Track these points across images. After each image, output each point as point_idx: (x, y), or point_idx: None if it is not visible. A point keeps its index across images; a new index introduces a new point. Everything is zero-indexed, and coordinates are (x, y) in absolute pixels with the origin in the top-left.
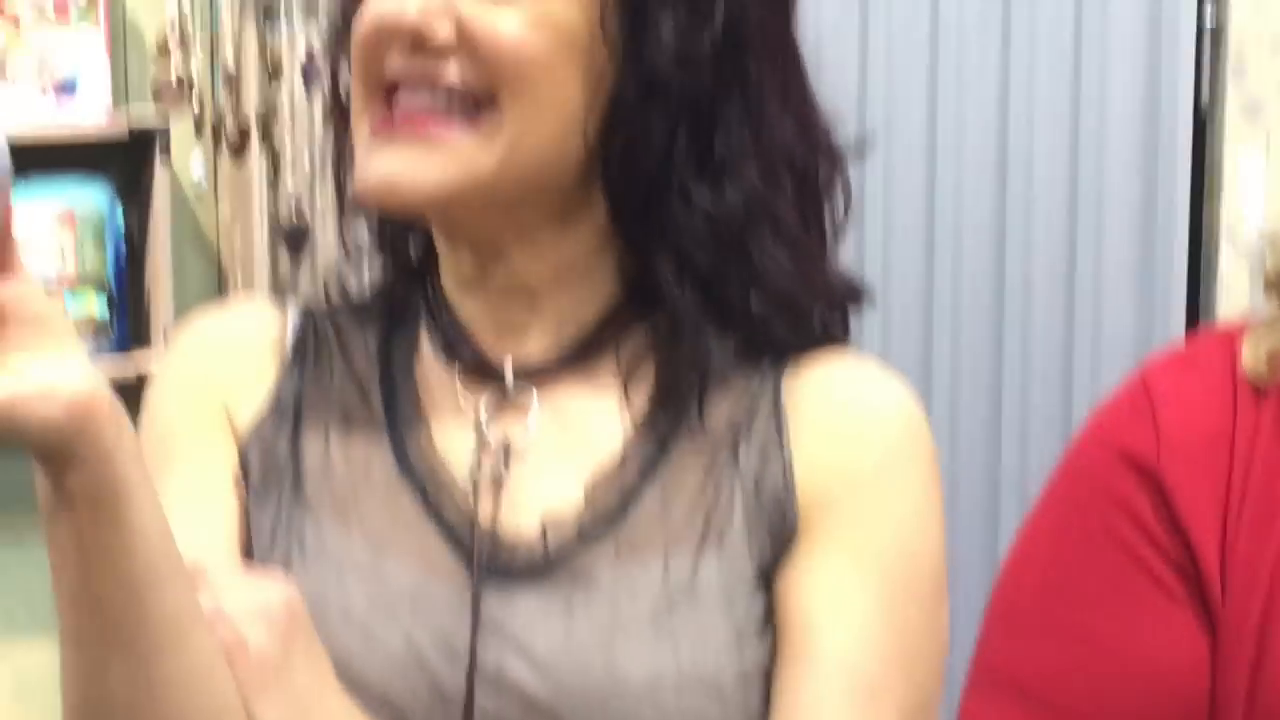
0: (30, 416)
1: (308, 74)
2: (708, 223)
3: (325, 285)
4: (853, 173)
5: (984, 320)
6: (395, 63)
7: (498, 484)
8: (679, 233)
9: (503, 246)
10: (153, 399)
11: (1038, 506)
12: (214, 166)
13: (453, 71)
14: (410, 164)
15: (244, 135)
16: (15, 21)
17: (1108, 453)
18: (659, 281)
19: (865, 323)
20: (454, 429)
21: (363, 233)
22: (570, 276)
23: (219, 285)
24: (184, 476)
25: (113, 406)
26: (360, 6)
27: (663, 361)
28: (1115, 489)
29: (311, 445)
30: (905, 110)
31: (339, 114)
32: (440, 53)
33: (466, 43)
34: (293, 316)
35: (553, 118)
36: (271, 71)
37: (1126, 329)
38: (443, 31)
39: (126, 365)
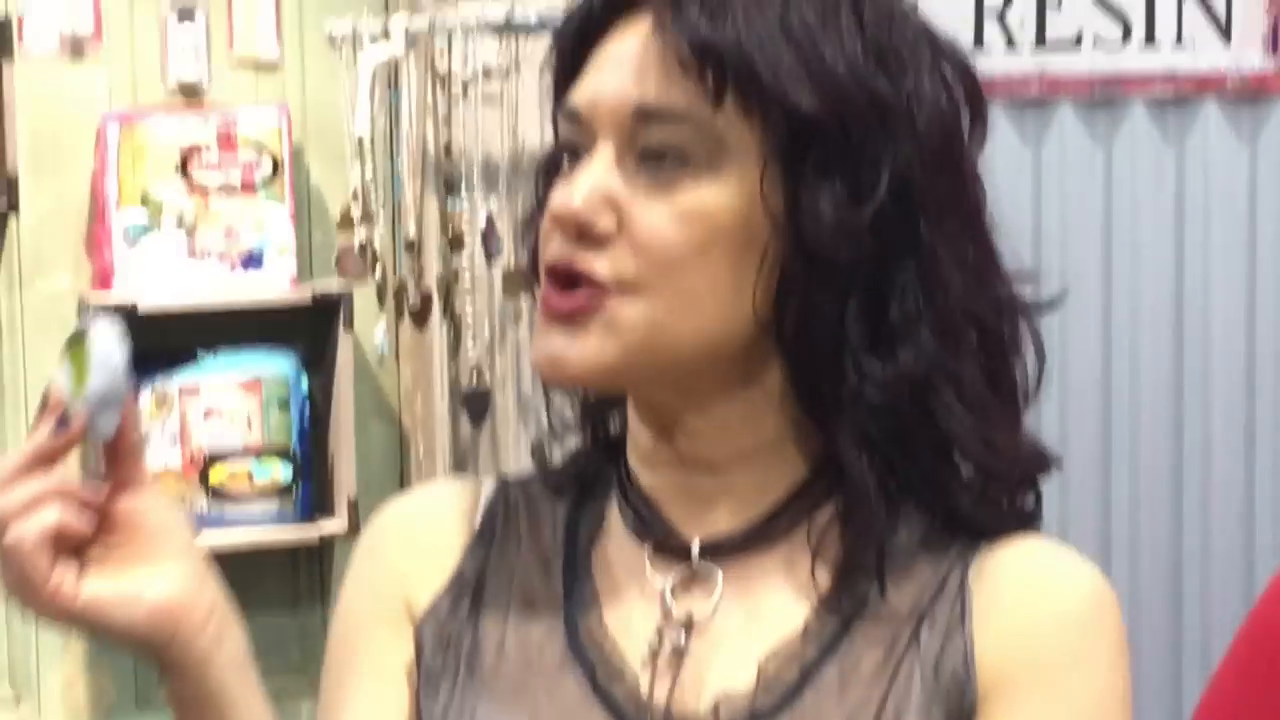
0: (113, 618)
1: (488, 243)
2: (882, 390)
3: (534, 452)
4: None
5: (1162, 483)
6: (557, 249)
7: (677, 661)
8: (856, 404)
9: (681, 418)
10: (342, 593)
11: (1220, 672)
12: (396, 333)
13: (606, 260)
14: (568, 342)
15: (426, 302)
16: (204, 194)
17: None
18: (841, 456)
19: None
20: (633, 605)
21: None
22: (755, 451)
23: (400, 451)
24: (360, 679)
25: (211, 616)
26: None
27: (847, 538)
28: None
29: (490, 625)
30: (1080, 274)
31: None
32: (599, 242)
33: (622, 234)
34: (487, 489)
35: (703, 302)
36: (452, 241)
37: None
38: (603, 222)
39: (310, 531)
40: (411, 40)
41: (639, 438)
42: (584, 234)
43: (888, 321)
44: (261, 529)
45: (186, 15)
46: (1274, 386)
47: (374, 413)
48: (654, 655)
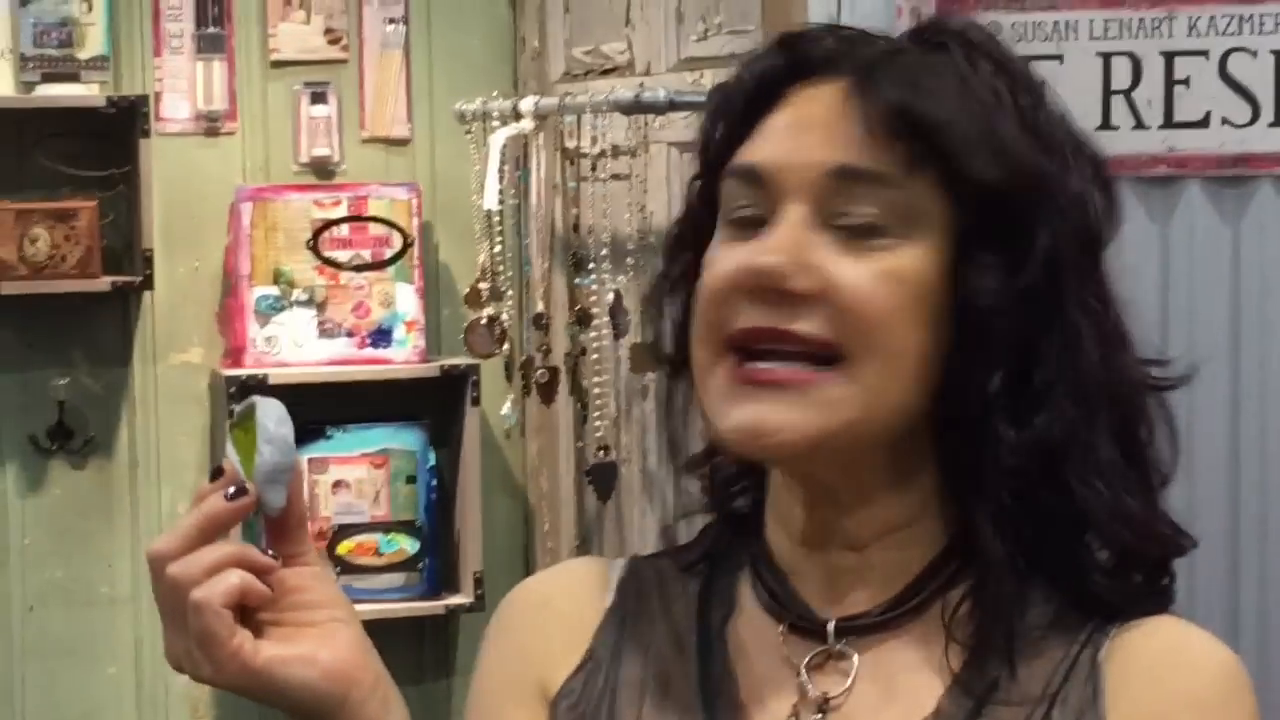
0: (290, 678)
1: (615, 319)
2: (1016, 454)
3: (663, 531)
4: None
5: None
6: (748, 315)
7: None
8: (994, 472)
9: (838, 494)
10: (476, 675)
11: None
12: (523, 408)
13: (806, 323)
14: (776, 410)
15: (553, 377)
16: (335, 270)
17: None
18: (977, 528)
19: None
20: (767, 685)
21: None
22: (898, 528)
23: (526, 526)
24: None
25: (379, 682)
26: (693, 259)
27: (979, 617)
28: None
29: (625, 705)
30: (1208, 352)
31: (670, 367)
32: (796, 303)
33: (824, 294)
34: (618, 567)
35: (902, 369)
36: (580, 317)
37: None
38: (803, 281)
39: (436, 605)
40: (540, 118)
41: (789, 513)
42: (781, 294)
43: (1029, 393)
44: (388, 602)
45: (320, 94)
46: None
47: (500, 487)
48: None
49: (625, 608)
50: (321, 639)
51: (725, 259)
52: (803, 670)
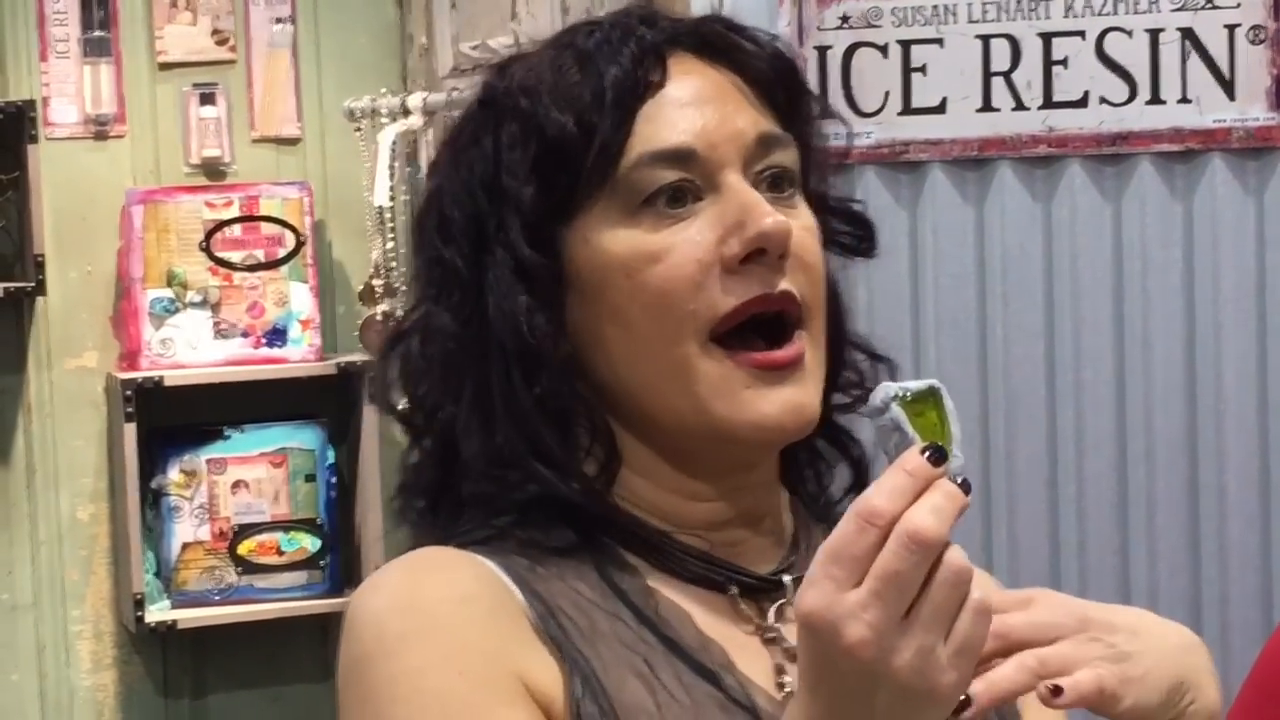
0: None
1: None
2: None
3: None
4: (1043, 394)
5: (1180, 535)
6: (740, 288)
7: None
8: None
9: (757, 468)
10: (403, 676)
11: (1232, 713)
12: None
13: (788, 283)
14: (802, 389)
15: None
16: (228, 270)
17: None
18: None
19: (1062, 536)
20: (739, 649)
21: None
22: (775, 489)
23: None
24: None
25: None
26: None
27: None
28: None
29: (635, 694)
30: (1092, 328)
31: (530, 367)
32: (782, 267)
33: (795, 255)
34: (482, 561)
35: (822, 319)
36: None
37: None
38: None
39: (339, 601)
40: (429, 114)
41: (682, 505)
42: (780, 258)
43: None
44: (291, 601)
45: (208, 95)
46: None
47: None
48: (786, 689)
49: (541, 601)
50: None
51: (688, 243)
52: (773, 626)
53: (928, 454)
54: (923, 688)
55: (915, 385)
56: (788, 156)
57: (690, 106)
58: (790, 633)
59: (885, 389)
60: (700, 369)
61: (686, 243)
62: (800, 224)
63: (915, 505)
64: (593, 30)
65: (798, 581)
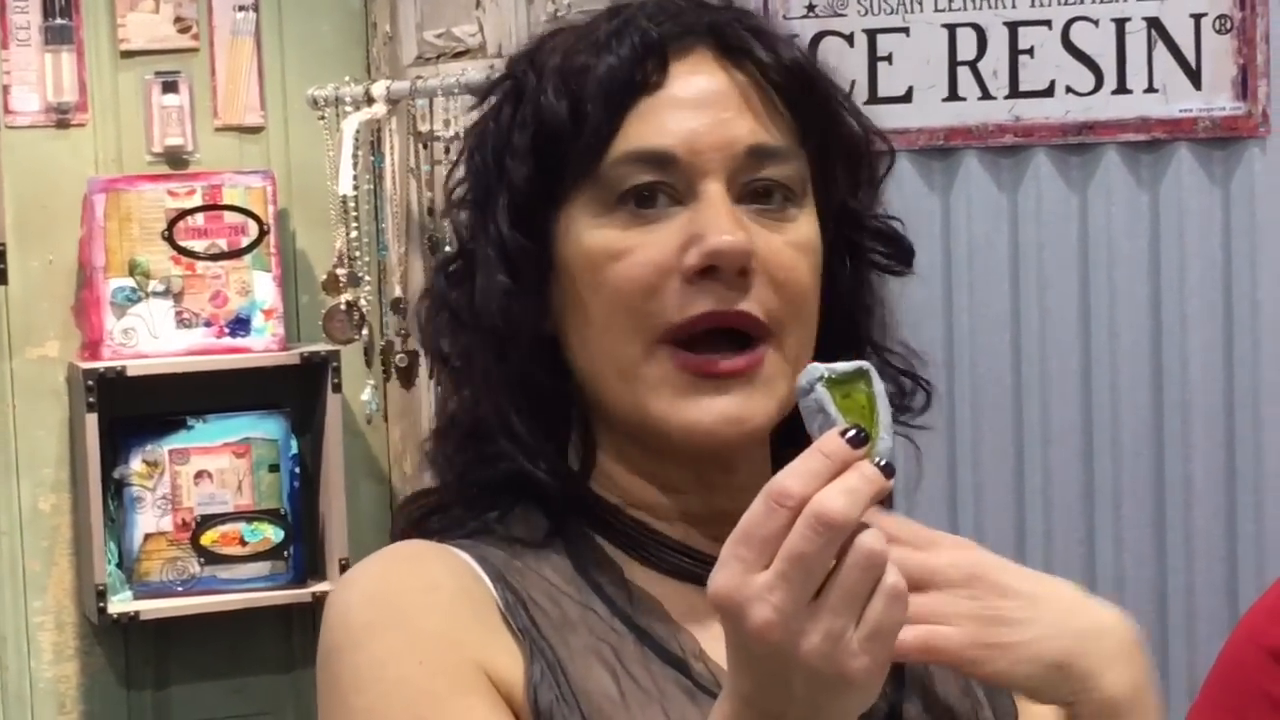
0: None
1: None
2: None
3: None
4: (1009, 384)
5: (1145, 521)
6: (695, 301)
7: None
8: None
9: (737, 470)
10: (367, 667)
11: (1196, 704)
12: (384, 393)
13: (749, 302)
14: (743, 399)
15: (413, 362)
16: (190, 259)
17: (1258, 652)
18: None
19: (1029, 526)
20: (712, 638)
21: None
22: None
23: (390, 510)
24: None
25: None
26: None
27: None
28: (1265, 687)
29: (599, 682)
30: (1058, 317)
31: (500, 341)
32: (744, 283)
33: (760, 271)
34: (457, 553)
35: (811, 335)
36: None
37: None
38: (751, 260)
39: (302, 592)
40: (393, 103)
41: (651, 495)
42: (737, 274)
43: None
44: (255, 591)
45: (171, 83)
46: (1252, 425)
47: (364, 473)
48: None
49: (512, 591)
50: None
51: (651, 247)
52: None
53: (849, 435)
54: (831, 672)
55: (843, 366)
56: (785, 170)
57: (686, 109)
58: None
59: (812, 369)
60: (643, 369)
61: (649, 246)
62: (786, 239)
63: (827, 487)
64: (616, 13)
65: None
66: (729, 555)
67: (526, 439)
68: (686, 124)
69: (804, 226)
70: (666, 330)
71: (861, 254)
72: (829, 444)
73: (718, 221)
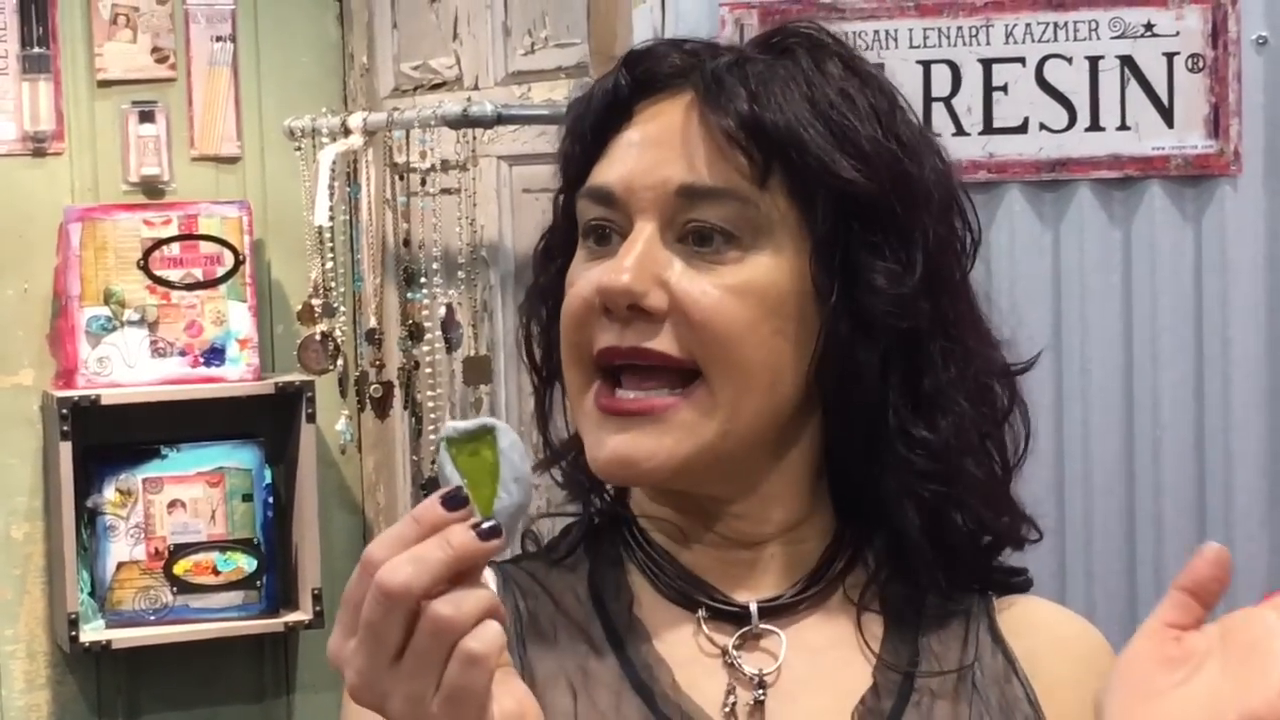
0: None
1: (448, 333)
2: (932, 457)
3: (523, 538)
4: None
5: (1117, 557)
6: (606, 334)
7: (760, 715)
8: (903, 468)
9: (725, 503)
10: None
11: None
12: (358, 424)
13: (661, 341)
14: (641, 440)
15: (387, 392)
16: (166, 289)
17: None
18: (884, 509)
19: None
20: (696, 668)
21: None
22: (797, 529)
23: (364, 541)
24: None
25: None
26: (558, 281)
27: (891, 588)
28: None
29: (558, 702)
30: (1031, 353)
31: (538, 375)
32: (650, 321)
33: (675, 310)
34: (486, 575)
35: (760, 381)
36: (413, 331)
37: (1259, 563)
38: (654, 298)
39: (275, 621)
40: (370, 134)
41: (674, 520)
42: (635, 312)
43: (922, 389)
44: (227, 621)
45: (148, 113)
46: (1223, 461)
47: (338, 503)
48: (732, 713)
49: (518, 609)
50: (503, 682)
51: (583, 280)
52: (731, 650)
53: (444, 498)
54: None
55: (465, 425)
56: (723, 211)
57: (633, 148)
58: (749, 659)
59: (444, 429)
60: (577, 399)
61: (584, 280)
62: (718, 282)
63: (395, 558)
64: (626, 57)
65: (763, 610)
66: (338, 618)
67: (556, 449)
68: (628, 164)
69: (748, 270)
70: (592, 362)
71: (858, 306)
72: (423, 509)
73: (619, 260)
